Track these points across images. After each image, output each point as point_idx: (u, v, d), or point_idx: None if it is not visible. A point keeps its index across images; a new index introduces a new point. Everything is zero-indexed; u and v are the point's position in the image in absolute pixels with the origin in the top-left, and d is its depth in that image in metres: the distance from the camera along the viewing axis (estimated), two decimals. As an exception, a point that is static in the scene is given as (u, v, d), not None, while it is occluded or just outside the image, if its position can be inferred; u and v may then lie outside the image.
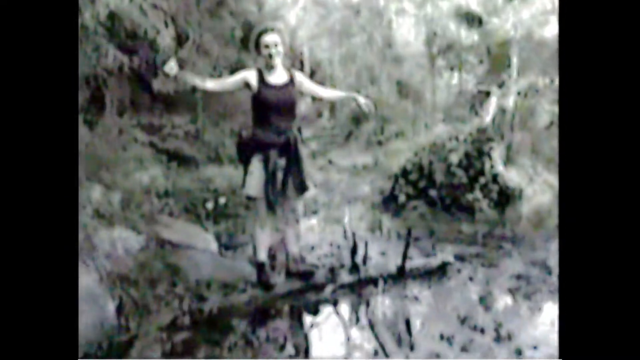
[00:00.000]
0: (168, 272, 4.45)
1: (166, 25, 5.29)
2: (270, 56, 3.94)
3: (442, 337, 3.57)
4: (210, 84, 4.03)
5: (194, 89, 8.11)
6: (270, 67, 4.00)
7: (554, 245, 5.57)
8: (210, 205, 6.71)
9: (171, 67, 3.78)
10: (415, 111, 11.71)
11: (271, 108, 3.98)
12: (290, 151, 4.06)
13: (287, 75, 4.10)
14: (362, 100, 4.22)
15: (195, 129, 8.14)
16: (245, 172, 4.12)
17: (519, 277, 4.64)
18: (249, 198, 4.23)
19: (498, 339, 3.55)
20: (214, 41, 7.35)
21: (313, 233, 6.14)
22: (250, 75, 4.00)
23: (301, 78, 4.18)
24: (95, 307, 3.66)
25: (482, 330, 3.66)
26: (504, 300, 4.31)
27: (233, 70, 7.82)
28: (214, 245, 5.33)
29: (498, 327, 3.68)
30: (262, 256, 4.29)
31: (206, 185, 7.31)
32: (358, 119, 13.26)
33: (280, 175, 4.07)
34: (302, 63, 18.53)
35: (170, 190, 6.33)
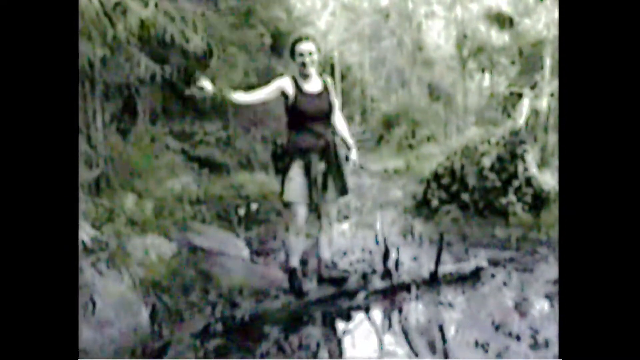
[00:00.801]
0: (200, 278, 4.49)
1: (195, 31, 5.33)
2: (304, 65, 3.95)
3: (477, 344, 3.51)
4: (246, 98, 4.02)
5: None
6: (305, 76, 4.00)
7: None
8: (242, 211, 6.74)
9: (203, 85, 3.80)
10: (447, 114, 11.63)
11: (308, 115, 3.99)
12: (329, 155, 4.06)
13: (321, 83, 4.10)
14: (353, 156, 4.31)
15: (227, 135, 8.19)
16: (284, 179, 4.11)
17: (555, 282, 4.54)
18: (287, 204, 4.18)
19: (535, 346, 3.47)
20: (243, 49, 7.40)
21: (345, 238, 6.12)
22: (285, 84, 4.00)
23: (331, 88, 4.17)
24: (129, 314, 3.70)
25: (518, 337, 3.58)
26: (540, 306, 4.22)
27: (262, 77, 7.89)
28: (245, 252, 5.35)
29: (534, 334, 3.61)
30: (295, 262, 4.28)
31: (238, 192, 7.36)
32: (389, 122, 13.20)
33: (320, 180, 4.08)
34: (332, 67, 18.52)
35: (202, 197, 6.38)
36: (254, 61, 7.64)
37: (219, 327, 3.80)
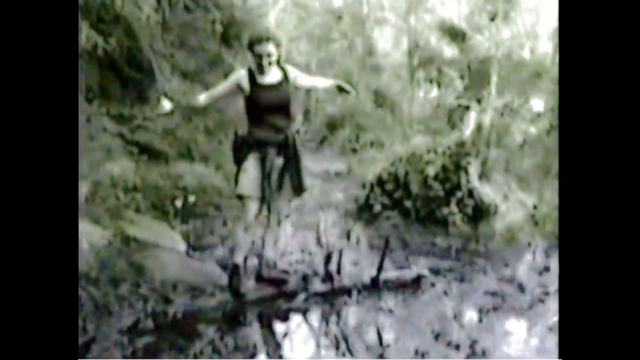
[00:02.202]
0: (132, 271, 4.23)
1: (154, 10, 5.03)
2: (261, 66, 3.78)
3: (416, 352, 3.44)
4: (204, 99, 3.90)
5: (169, 78, 8.00)
6: (263, 69, 3.83)
7: (526, 263, 5.56)
8: (179, 203, 6.48)
9: (163, 106, 3.74)
10: (392, 121, 11.66)
11: (266, 108, 3.84)
12: (288, 150, 3.90)
13: (281, 73, 3.93)
14: (347, 86, 4.20)
15: (168, 122, 7.87)
16: (239, 171, 3.93)
17: (493, 293, 4.55)
18: (240, 197, 4.01)
19: (472, 355, 3.44)
20: (193, 32, 7.14)
21: (284, 238, 5.96)
22: (241, 78, 3.83)
23: (295, 72, 4.01)
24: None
25: (457, 347, 3.54)
26: (477, 316, 4.21)
27: (212, 65, 7.65)
28: (181, 245, 5.13)
29: (473, 344, 3.58)
30: (239, 259, 4.10)
31: (175, 182, 7.07)
32: (334, 125, 13.15)
33: (275, 175, 3.91)
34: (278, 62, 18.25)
35: (139, 185, 6.08)
36: (203, 48, 7.37)
37: (149, 323, 3.57)
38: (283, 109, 3.91)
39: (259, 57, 3.75)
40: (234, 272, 4.05)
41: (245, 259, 4.22)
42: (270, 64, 3.78)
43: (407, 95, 12.49)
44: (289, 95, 3.94)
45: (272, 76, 3.87)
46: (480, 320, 4.11)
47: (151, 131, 7.51)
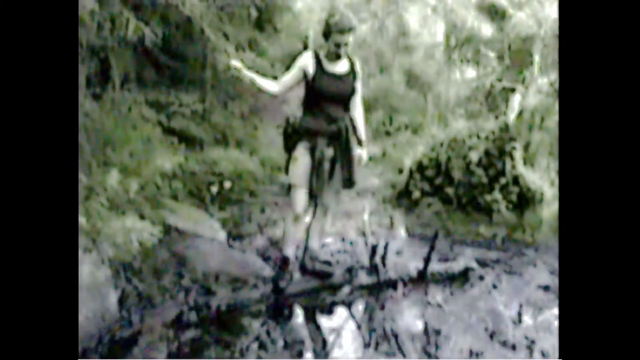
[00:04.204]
0: (174, 261, 4.17)
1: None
2: (337, 55, 3.61)
3: (471, 353, 3.31)
4: (277, 88, 3.71)
5: (203, 67, 7.90)
6: (335, 56, 3.66)
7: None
8: (214, 189, 6.40)
9: (235, 65, 3.57)
10: (427, 104, 11.38)
11: (326, 97, 3.66)
12: (340, 142, 3.74)
13: (348, 64, 3.75)
14: (363, 154, 3.98)
15: (203, 108, 7.78)
16: (289, 159, 3.80)
17: (545, 287, 4.37)
18: (289, 187, 3.90)
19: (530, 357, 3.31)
20: (230, 19, 7.01)
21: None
22: (307, 62, 3.64)
23: (359, 70, 3.83)
24: (96, 298, 3.38)
25: (514, 347, 3.40)
26: (532, 313, 4.03)
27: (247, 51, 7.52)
28: (221, 235, 5.04)
29: (531, 345, 3.43)
30: (290, 251, 4.00)
31: (211, 169, 6.99)
32: (366, 107, 12.92)
33: (327, 166, 3.77)
34: (305, 47, 18.04)
35: (177, 172, 6.01)
36: (239, 33, 7.24)
37: (192, 316, 3.51)
38: (343, 100, 3.74)
39: (336, 46, 3.56)
40: (283, 264, 3.95)
41: (298, 254, 4.12)
42: (346, 53, 3.61)
43: (443, 77, 12.18)
44: (354, 87, 3.76)
45: (340, 65, 3.70)
46: (535, 318, 3.93)
47: (187, 117, 7.42)
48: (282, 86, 3.71)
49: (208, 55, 7.47)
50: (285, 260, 3.98)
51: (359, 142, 3.92)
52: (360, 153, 3.94)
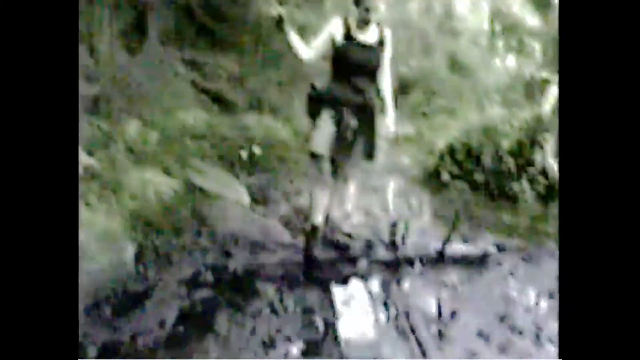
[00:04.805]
0: (195, 220, 4.24)
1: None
2: (366, 22, 3.58)
3: (479, 334, 3.31)
4: (310, 55, 3.67)
5: (244, 30, 7.88)
6: (362, 25, 3.63)
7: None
8: (244, 154, 6.45)
9: (279, 10, 3.51)
10: (466, 89, 11.21)
11: (354, 66, 3.64)
12: (366, 112, 3.73)
13: (378, 34, 3.72)
14: (390, 123, 3.95)
15: (240, 72, 7.79)
16: (313, 126, 3.80)
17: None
18: (312, 155, 3.90)
19: (537, 342, 3.31)
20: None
21: (349, 200, 5.84)
22: (335, 29, 3.63)
23: (389, 41, 3.79)
24: (113, 250, 3.45)
25: (521, 332, 3.39)
26: (546, 302, 4.00)
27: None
28: (245, 199, 5.09)
29: (538, 330, 3.42)
30: (319, 219, 4.03)
31: (243, 133, 7.03)
32: (405, 87, 12.76)
33: (350, 136, 3.76)
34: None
35: (207, 134, 6.06)
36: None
37: (208, 276, 3.57)
38: (371, 71, 3.72)
39: (365, 11, 3.53)
40: (313, 233, 3.98)
41: (326, 222, 4.14)
42: (375, 18, 3.58)
43: (484, 63, 11.96)
44: (381, 59, 3.73)
45: (369, 35, 3.67)
46: (546, 306, 3.91)
47: (222, 80, 7.45)
48: (314, 52, 3.68)
49: (249, 18, 7.46)
50: (314, 228, 4.01)
51: (386, 111, 3.90)
52: (388, 124, 3.93)
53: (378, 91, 3.81)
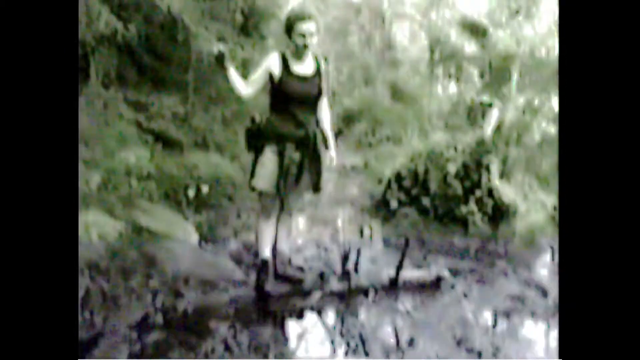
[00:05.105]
0: (143, 262, 4.12)
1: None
2: (305, 46, 3.59)
3: (437, 357, 3.30)
4: (248, 91, 3.67)
5: (186, 69, 7.88)
6: (299, 56, 3.66)
7: (547, 266, 5.39)
8: (192, 192, 6.36)
9: (219, 48, 3.49)
10: (409, 116, 11.47)
11: (293, 99, 3.64)
12: (308, 146, 3.73)
13: (314, 65, 3.75)
14: (332, 152, 4.01)
15: (184, 111, 7.75)
16: (255, 163, 3.77)
17: (514, 297, 4.39)
18: (253, 189, 3.88)
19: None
20: (213, 21, 7.00)
21: (298, 233, 5.83)
22: (272, 63, 3.63)
23: (325, 71, 3.83)
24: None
25: (480, 354, 3.40)
26: (498, 321, 4.04)
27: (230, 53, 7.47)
28: (194, 237, 5.00)
29: (496, 351, 3.43)
30: (267, 253, 3.97)
31: (190, 172, 6.95)
32: (350, 118, 12.95)
33: (294, 170, 3.74)
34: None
35: (153, 173, 5.96)
36: (223, 37, 7.22)
37: (159, 318, 3.47)
38: (311, 102, 3.74)
39: (302, 37, 3.55)
40: (262, 267, 3.93)
41: (274, 256, 4.10)
42: (312, 45, 3.59)
43: (426, 91, 12.29)
44: (321, 89, 3.76)
45: (306, 66, 3.69)
46: (502, 326, 3.95)
47: (167, 119, 7.39)
48: (252, 88, 3.68)
49: (192, 57, 7.46)
50: (264, 263, 3.96)
51: (326, 142, 3.93)
52: (330, 154, 3.96)
53: (317, 122, 3.84)
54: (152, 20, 6.57)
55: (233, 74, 3.59)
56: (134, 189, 5.39)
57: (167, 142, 7.19)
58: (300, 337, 3.52)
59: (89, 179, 4.60)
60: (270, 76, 3.62)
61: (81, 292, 3.47)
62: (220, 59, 3.50)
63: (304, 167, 3.75)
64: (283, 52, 3.69)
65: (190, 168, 6.97)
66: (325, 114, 3.96)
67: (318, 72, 3.74)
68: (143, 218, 4.72)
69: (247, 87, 3.67)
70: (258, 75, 3.66)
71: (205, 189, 6.59)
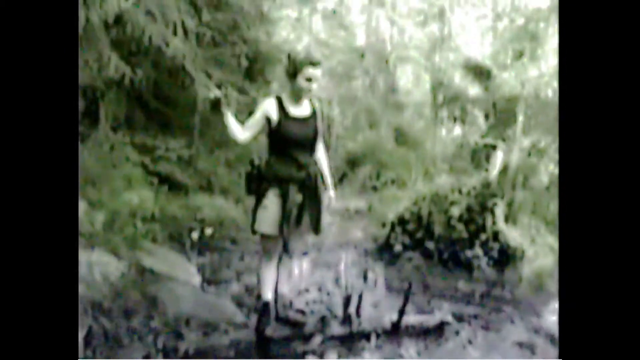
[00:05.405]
0: (145, 303, 4.11)
1: (175, 33, 5.00)
2: (309, 90, 3.66)
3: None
4: (245, 136, 3.72)
5: (192, 113, 8.01)
6: (297, 99, 3.73)
7: (555, 312, 5.30)
8: (195, 235, 6.38)
9: (215, 93, 3.57)
10: (414, 159, 11.52)
11: (292, 142, 3.68)
12: (309, 188, 3.75)
13: (310, 107, 3.82)
14: (331, 193, 4.02)
15: (189, 154, 7.84)
16: (257, 207, 3.79)
17: (521, 344, 4.32)
18: (254, 233, 3.86)
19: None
20: (219, 66, 7.14)
21: (301, 276, 5.80)
22: (269, 107, 3.68)
23: (319, 114, 3.89)
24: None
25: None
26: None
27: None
28: (196, 279, 5.00)
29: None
30: (269, 295, 3.95)
31: (194, 214, 6.99)
32: (354, 162, 13.02)
33: (295, 212, 3.75)
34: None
35: (157, 216, 5.99)
36: (228, 82, 7.35)
37: (160, 359, 3.43)
38: (309, 144, 3.78)
39: (307, 81, 3.60)
40: (264, 310, 3.91)
41: (276, 298, 4.08)
42: (312, 90, 3.66)
43: (430, 134, 12.38)
44: (317, 130, 3.81)
45: (302, 109, 3.75)
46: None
47: (172, 162, 7.46)
48: (249, 133, 3.73)
49: (198, 102, 7.57)
50: (266, 305, 3.94)
51: (324, 182, 3.95)
52: (330, 195, 3.98)
53: (315, 162, 3.88)
54: (159, 65, 6.70)
55: (230, 119, 3.64)
56: (138, 230, 5.40)
57: (172, 185, 7.25)
58: (302, 382, 3.47)
59: (94, 219, 4.62)
60: (268, 120, 3.67)
61: (84, 332, 3.46)
62: (215, 104, 3.57)
63: (305, 208, 3.76)
64: (279, 96, 3.75)
65: (194, 210, 7.02)
66: (322, 155, 4.00)
67: (314, 113, 3.79)
68: (146, 259, 4.72)
69: (244, 131, 3.71)
70: (255, 120, 3.71)
71: (209, 231, 6.61)
